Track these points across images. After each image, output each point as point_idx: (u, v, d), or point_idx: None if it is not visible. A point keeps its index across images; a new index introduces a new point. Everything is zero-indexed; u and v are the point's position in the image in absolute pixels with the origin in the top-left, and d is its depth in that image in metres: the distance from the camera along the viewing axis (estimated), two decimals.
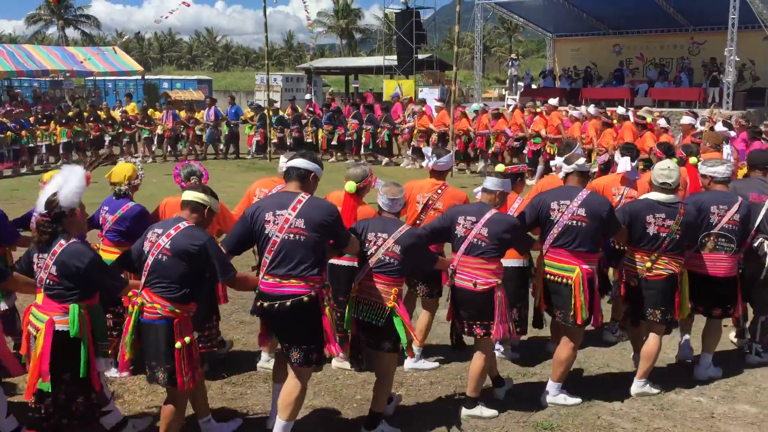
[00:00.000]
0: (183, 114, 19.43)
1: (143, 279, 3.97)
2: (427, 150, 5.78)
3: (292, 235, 4.01)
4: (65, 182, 3.90)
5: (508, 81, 31.07)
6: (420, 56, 30.86)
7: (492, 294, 4.63)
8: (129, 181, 5.21)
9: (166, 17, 21.06)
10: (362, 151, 17.08)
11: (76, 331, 3.79)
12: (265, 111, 19.44)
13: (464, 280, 4.70)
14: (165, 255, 3.91)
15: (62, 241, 3.86)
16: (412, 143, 17.35)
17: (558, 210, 4.92)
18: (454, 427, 4.74)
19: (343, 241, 4.29)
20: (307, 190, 4.21)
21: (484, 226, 4.65)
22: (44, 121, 17.68)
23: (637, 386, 5.24)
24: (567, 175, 5.18)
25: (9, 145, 15.18)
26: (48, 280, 3.85)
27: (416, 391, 5.27)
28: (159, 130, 19.06)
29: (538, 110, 16.41)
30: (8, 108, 17.71)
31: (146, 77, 34.72)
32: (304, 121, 18.99)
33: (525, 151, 15.39)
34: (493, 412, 4.87)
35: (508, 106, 17.44)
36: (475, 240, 4.66)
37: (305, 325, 4.05)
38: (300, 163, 4.23)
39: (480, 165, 16.77)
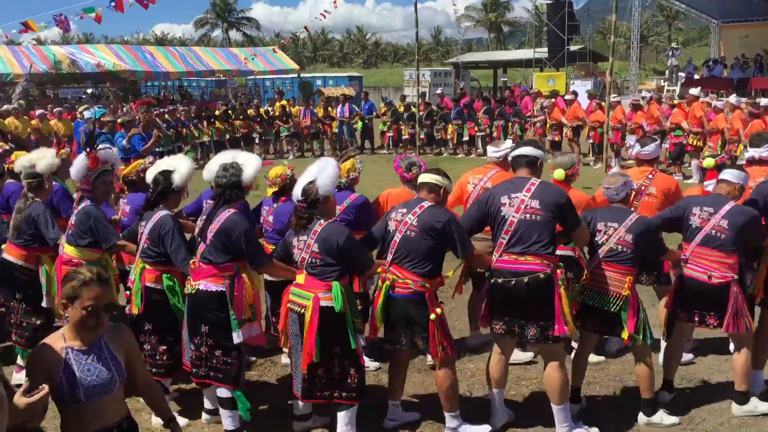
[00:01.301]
0: (319, 111, 19.94)
1: (390, 257, 4.31)
2: (631, 139, 5.78)
3: (528, 215, 4.23)
4: (321, 171, 4.23)
5: (667, 71, 29.48)
6: (572, 48, 29.96)
7: (728, 288, 4.54)
8: (348, 174, 5.49)
9: (324, 15, 21.79)
10: None
11: (340, 306, 4.09)
12: (397, 106, 19.55)
13: (697, 271, 4.63)
14: (413, 231, 4.24)
15: (321, 221, 4.20)
16: (547, 138, 16.84)
17: None
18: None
19: (573, 225, 4.38)
20: (537, 175, 4.46)
21: (724, 218, 4.56)
22: (200, 119, 18.75)
23: None
24: None
25: (173, 142, 16.16)
26: (311, 259, 4.17)
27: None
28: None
29: (676, 102, 15.44)
30: (171, 107, 18.78)
31: (301, 75, 36.24)
32: (435, 117, 18.89)
33: (666, 145, 14.50)
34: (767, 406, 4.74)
35: (643, 98, 16.38)
36: (713, 231, 4.58)
37: (541, 301, 4.18)
38: (528, 150, 4.52)
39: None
